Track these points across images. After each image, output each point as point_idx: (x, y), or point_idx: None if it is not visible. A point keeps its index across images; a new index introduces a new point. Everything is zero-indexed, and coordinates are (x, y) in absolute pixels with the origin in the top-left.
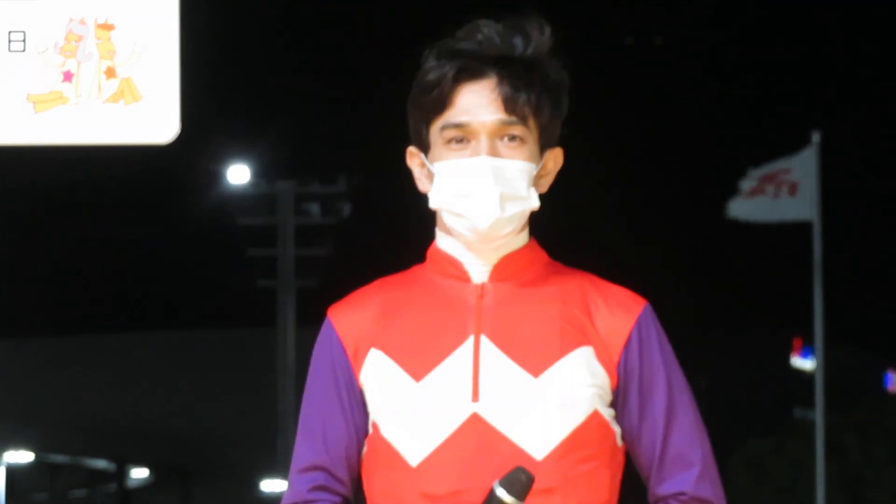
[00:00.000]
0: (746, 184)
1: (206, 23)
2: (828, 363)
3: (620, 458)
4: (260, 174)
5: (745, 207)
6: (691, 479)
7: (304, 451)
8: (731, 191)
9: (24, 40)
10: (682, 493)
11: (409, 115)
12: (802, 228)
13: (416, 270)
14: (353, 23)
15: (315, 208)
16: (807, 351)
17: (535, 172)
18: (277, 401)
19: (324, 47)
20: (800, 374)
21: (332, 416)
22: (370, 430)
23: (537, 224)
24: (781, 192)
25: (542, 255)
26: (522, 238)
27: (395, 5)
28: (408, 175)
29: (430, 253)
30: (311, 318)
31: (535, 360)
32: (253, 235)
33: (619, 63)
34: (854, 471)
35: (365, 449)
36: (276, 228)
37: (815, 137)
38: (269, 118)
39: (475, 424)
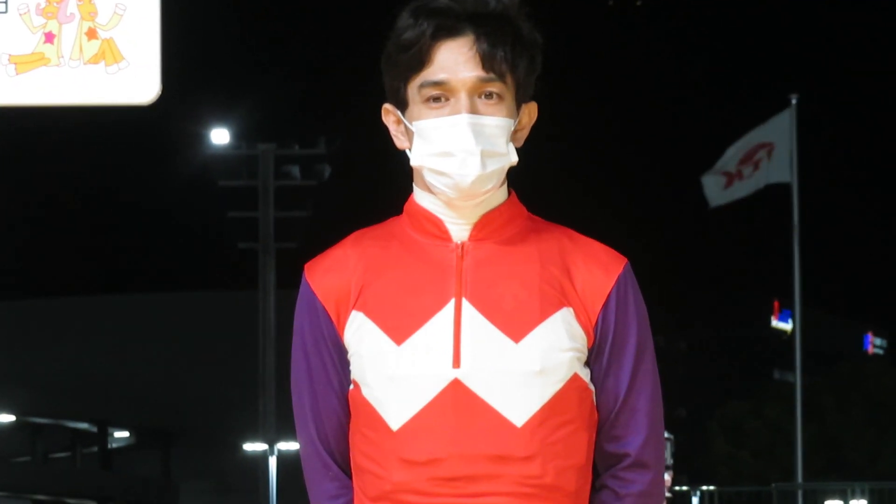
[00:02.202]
0: (723, 165)
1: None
2: (807, 326)
3: (596, 417)
4: (241, 136)
5: (725, 195)
6: (638, 443)
7: (309, 434)
8: (710, 160)
9: (5, 2)
10: (626, 455)
11: (384, 74)
12: (785, 191)
13: (393, 224)
14: None
15: (295, 170)
16: (786, 313)
17: (512, 128)
18: (258, 362)
19: (304, 12)
20: (779, 335)
21: (327, 397)
22: (351, 388)
23: (514, 183)
24: (760, 164)
25: (521, 210)
26: (502, 193)
27: None
28: (386, 137)
29: (407, 208)
30: (292, 279)
31: (515, 324)
32: (234, 197)
33: (601, 23)
34: (832, 433)
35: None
36: (257, 190)
37: (794, 99)
38: (250, 82)
39: (456, 390)
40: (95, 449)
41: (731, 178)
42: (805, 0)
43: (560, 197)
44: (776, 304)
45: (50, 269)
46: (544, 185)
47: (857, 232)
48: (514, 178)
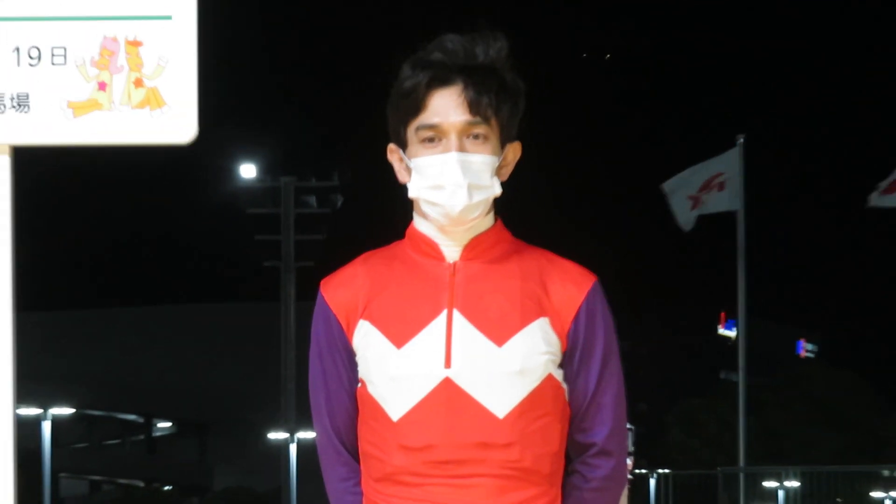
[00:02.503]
0: (687, 188)
1: (223, 39)
2: (749, 333)
3: (568, 411)
4: (265, 170)
5: (692, 218)
6: (604, 434)
7: (323, 425)
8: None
9: (64, 55)
10: (594, 444)
11: (389, 117)
12: (730, 218)
13: (397, 247)
14: (339, 42)
15: (312, 200)
16: (731, 323)
17: (497, 164)
18: (281, 364)
19: (319, 64)
20: (725, 341)
21: (337, 392)
22: (359, 385)
23: (500, 208)
24: (713, 192)
25: (506, 235)
26: (489, 220)
27: (375, 28)
28: (389, 171)
29: (408, 232)
30: (310, 294)
31: (499, 331)
32: (259, 223)
33: (575, 72)
34: (771, 425)
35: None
36: (280, 217)
37: (740, 139)
38: (273, 121)
39: (447, 387)
40: (142, 437)
41: (696, 201)
42: (751, 57)
43: (544, 220)
44: (723, 315)
45: (103, 284)
46: (531, 209)
47: (794, 253)
48: (505, 204)
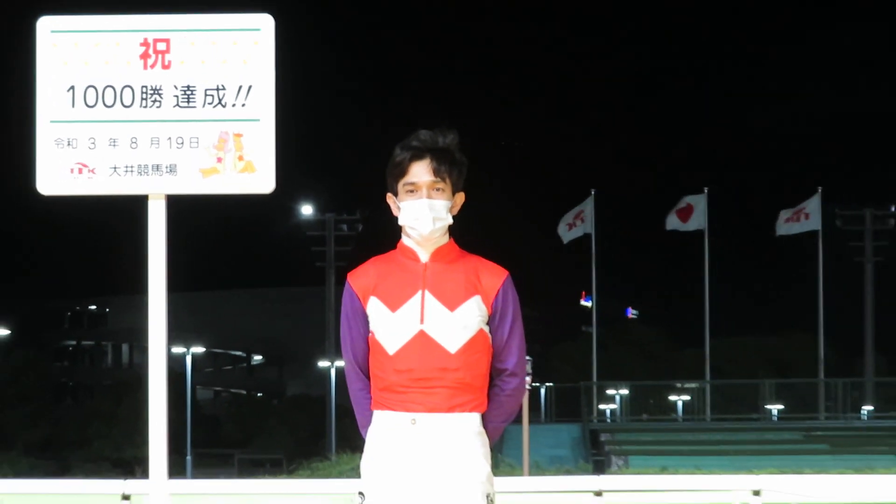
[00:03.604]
0: (566, 221)
1: (289, 125)
2: (598, 303)
3: (492, 350)
4: (317, 209)
5: (568, 235)
6: (512, 363)
7: (349, 359)
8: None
9: (198, 142)
10: (506, 370)
11: (387, 178)
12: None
13: (392, 254)
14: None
15: (344, 227)
16: (588, 298)
17: (449, 206)
18: (326, 323)
19: (349, 136)
20: (585, 309)
21: (356, 339)
22: (370, 335)
23: (452, 231)
24: (691, 215)
25: (455, 247)
26: (445, 238)
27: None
28: (387, 208)
29: (399, 245)
30: (341, 282)
31: (451, 302)
32: (313, 241)
33: (499, 155)
34: (612, 357)
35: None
36: (325, 238)
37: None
38: (322, 177)
39: (421, 335)
40: (244, 365)
41: (570, 226)
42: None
43: (475, 240)
44: (583, 293)
45: (225, 275)
46: (468, 233)
47: (623, 248)
48: (454, 229)
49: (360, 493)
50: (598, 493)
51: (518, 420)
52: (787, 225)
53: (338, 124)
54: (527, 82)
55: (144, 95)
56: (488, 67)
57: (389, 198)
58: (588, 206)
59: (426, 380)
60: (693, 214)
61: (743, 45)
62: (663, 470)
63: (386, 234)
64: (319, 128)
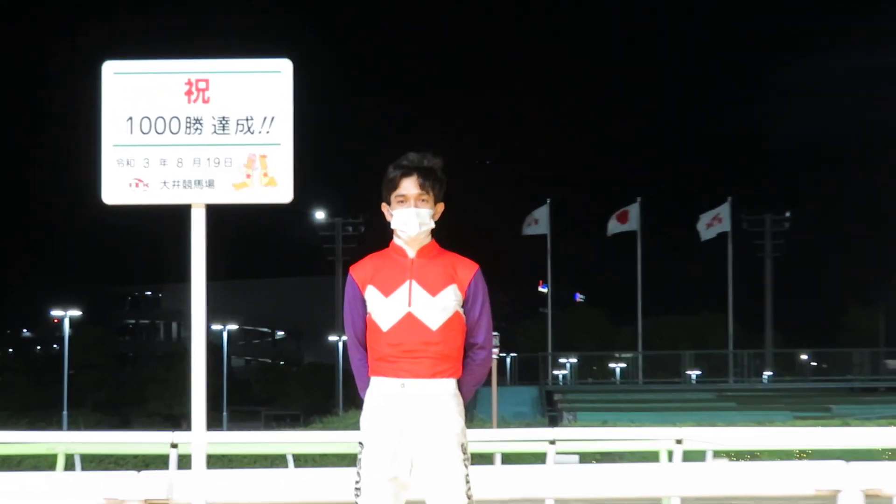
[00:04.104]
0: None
1: (306, 145)
2: (553, 290)
3: (465, 328)
4: (328, 214)
5: (528, 231)
6: (482, 338)
7: (351, 335)
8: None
9: (231, 161)
10: (476, 343)
11: (383, 191)
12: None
13: (386, 250)
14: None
15: (350, 228)
16: (545, 285)
17: (432, 213)
18: (335, 305)
19: (352, 151)
20: (542, 294)
21: (357, 319)
22: (367, 315)
23: (434, 233)
24: (628, 217)
25: (437, 246)
26: (429, 239)
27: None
28: (382, 215)
29: (391, 244)
30: (345, 272)
31: (433, 289)
32: (325, 240)
33: (476, 174)
34: (563, 332)
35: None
36: (334, 237)
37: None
38: (332, 184)
39: (409, 316)
40: (269, 339)
41: (623, 218)
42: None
43: (451, 240)
44: (540, 282)
45: (254, 266)
46: (444, 235)
47: (574, 244)
48: (441, 228)
49: (360, 443)
50: (553, 442)
51: (488, 383)
52: (708, 230)
53: (345, 145)
54: (505, 107)
55: (188, 124)
56: (470, 91)
57: (384, 206)
58: (544, 211)
59: (413, 352)
60: (629, 218)
61: (680, 68)
62: (605, 423)
63: (382, 235)
64: (331, 148)
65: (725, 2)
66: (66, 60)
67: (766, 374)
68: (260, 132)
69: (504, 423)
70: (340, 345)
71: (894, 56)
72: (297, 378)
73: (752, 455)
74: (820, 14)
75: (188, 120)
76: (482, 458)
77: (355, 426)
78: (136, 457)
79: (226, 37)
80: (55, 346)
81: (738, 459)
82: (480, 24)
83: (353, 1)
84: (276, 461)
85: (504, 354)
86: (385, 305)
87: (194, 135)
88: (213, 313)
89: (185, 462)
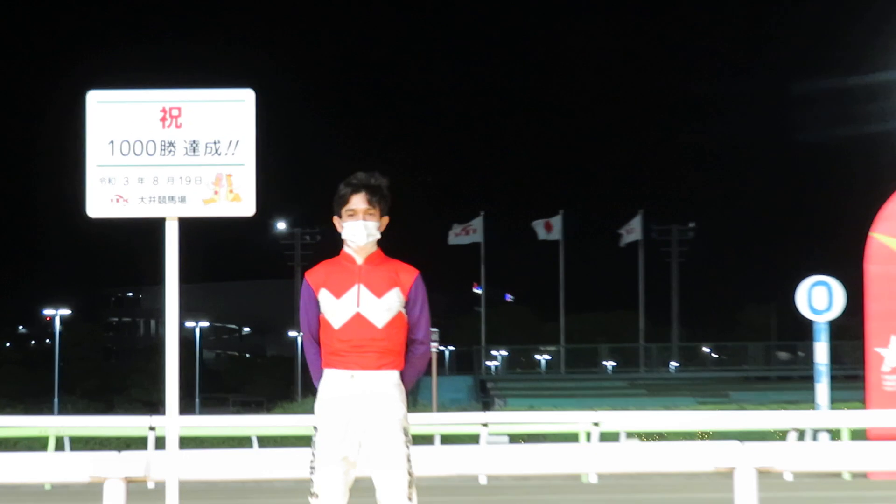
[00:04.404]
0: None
1: (266, 168)
2: (486, 291)
3: (407, 326)
4: (288, 225)
5: (458, 241)
6: (421, 335)
7: (306, 332)
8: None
9: (201, 180)
10: (416, 339)
11: (334, 206)
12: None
13: (337, 258)
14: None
15: (307, 238)
16: (479, 287)
17: (378, 226)
18: (293, 308)
19: (308, 170)
20: (477, 294)
21: (312, 318)
22: (321, 315)
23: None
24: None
25: (382, 254)
26: (374, 248)
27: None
28: (334, 227)
29: (342, 252)
30: (301, 277)
31: (379, 292)
32: (286, 248)
33: (419, 189)
34: (495, 328)
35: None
36: (294, 245)
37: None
38: (292, 201)
39: (357, 315)
40: (237, 335)
41: (549, 228)
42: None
43: (393, 248)
44: (475, 283)
45: (224, 271)
46: (387, 244)
47: (504, 253)
48: (386, 238)
49: (315, 427)
50: (485, 425)
51: (428, 373)
52: (625, 238)
53: (304, 165)
54: (442, 130)
55: (163, 147)
56: (411, 115)
57: (335, 219)
58: (478, 222)
59: (361, 347)
60: (553, 228)
61: (598, 97)
62: (531, 407)
63: (334, 244)
64: (291, 167)
65: (640, 29)
66: (58, 91)
67: (673, 364)
68: (226, 154)
69: (442, 408)
70: (299, 340)
71: (799, 81)
72: (261, 369)
73: (660, 436)
74: (736, 38)
75: (163, 143)
76: (423, 440)
77: (312, 411)
78: (118, 438)
79: (198, 65)
80: (48, 340)
81: (647, 440)
82: (415, 59)
83: (313, 38)
84: (242, 442)
85: (442, 348)
86: (336, 306)
87: (168, 156)
88: (187, 312)
89: (162, 443)
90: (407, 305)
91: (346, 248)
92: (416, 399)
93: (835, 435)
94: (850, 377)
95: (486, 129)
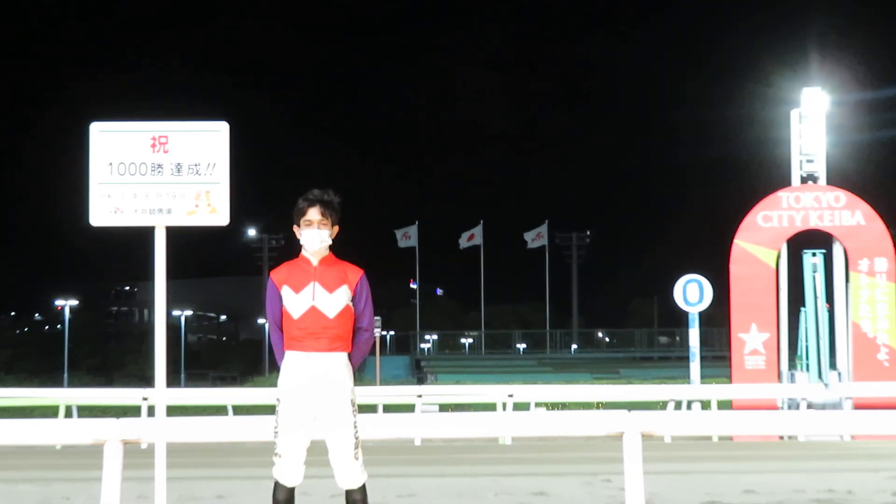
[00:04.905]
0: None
1: (240, 184)
2: (420, 286)
3: (354, 317)
4: (257, 231)
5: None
6: (365, 323)
7: (271, 321)
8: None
9: (184, 196)
10: (361, 327)
11: (294, 217)
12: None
13: (297, 260)
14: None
15: (273, 242)
16: (415, 283)
17: (330, 233)
18: (261, 300)
19: (276, 188)
20: (413, 289)
21: (275, 309)
22: (283, 307)
23: (332, 248)
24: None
25: (333, 257)
26: (327, 252)
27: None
28: (294, 235)
29: (300, 255)
30: (266, 275)
31: (331, 288)
32: (256, 250)
33: (369, 200)
34: (430, 319)
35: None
36: (262, 249)
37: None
38: (261, 211)
39: (313, 308)
40: (216, 322)
41: (472, 237)
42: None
43: (344, 251)
44: (411, 280)
45: (204, 268)
46: (338, 249)
47: (441, 252)
48: (337, 243)
49: (278, 399)
50: (420, 396)
51: (372, 354)
52: (533, 243)
53: (271, 181)
54: (384, 146)
55: (153, 168)
56: (361, 135)
57: (295, 228)
58: (413, 229)
59: (315, 333)
60: (475, 237)
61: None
62: (458, 382)
63: (295, 248)
64: (261, 182)
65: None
66: (75, 119)
67: (573, 347)
68: (205, 174)
69: (384, 382)
70: (266, 327)
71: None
72: (235, 350)
73: (563, 406)
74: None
75: (153, 165)
76: (368, 409)
77: (277, 385)
78: (117, 407)
79: (181, 96)
80: (59, 326)
81: (552, 409)
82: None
83: (284, 70)
84: (219, 410)
85: (384, 333)
86: (295, 300)
87: (157, 176)
88: (174, 302)
89: (153, 411)
90: (354, 299)
91: (303, 252)
92: (362, 376)
93: (705, 405)
94: (718, 357)
95: (419, 152)
